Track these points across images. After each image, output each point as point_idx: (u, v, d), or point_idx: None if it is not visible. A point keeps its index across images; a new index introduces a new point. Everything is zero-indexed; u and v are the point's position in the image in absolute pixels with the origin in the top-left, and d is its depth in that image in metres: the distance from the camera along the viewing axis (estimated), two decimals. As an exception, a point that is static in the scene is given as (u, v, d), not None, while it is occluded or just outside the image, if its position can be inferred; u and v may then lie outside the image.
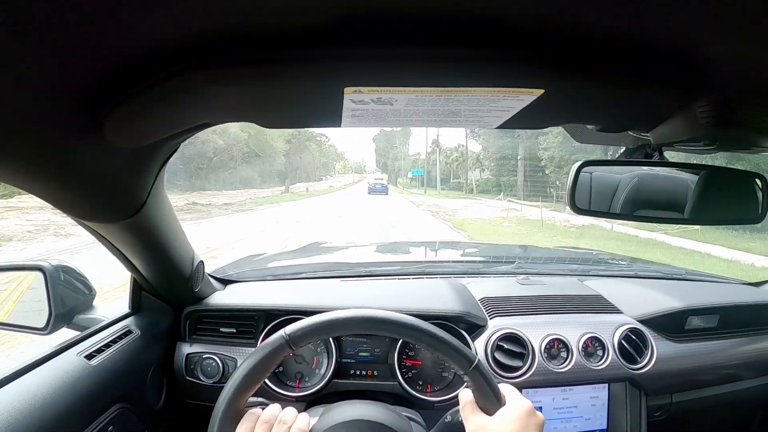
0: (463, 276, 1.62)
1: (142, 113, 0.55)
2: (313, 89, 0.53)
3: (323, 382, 1.22)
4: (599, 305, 1.39)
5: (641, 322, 1.35)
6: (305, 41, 0.46)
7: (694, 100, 0.61)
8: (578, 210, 0.90)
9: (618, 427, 1.27)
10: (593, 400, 1.27)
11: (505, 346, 1.24)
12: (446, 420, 0.97)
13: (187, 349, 1.27)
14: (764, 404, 1.51)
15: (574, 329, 1.29)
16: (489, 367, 1.22)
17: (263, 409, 0.95)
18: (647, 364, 1.28)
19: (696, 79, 0.55)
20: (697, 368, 1.36)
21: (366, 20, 0.43)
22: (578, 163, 0.90)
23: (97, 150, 0.60)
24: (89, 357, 0.99)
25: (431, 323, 0.88)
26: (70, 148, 0.57)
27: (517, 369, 1.22)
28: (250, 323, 1.26)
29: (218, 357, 1.24)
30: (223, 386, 0.79)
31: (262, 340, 1.09)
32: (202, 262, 1.21)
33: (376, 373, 1.27)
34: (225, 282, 1.44)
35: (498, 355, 1.23)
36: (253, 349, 0.84)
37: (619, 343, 1.28)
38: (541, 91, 0.53)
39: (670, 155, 0.92)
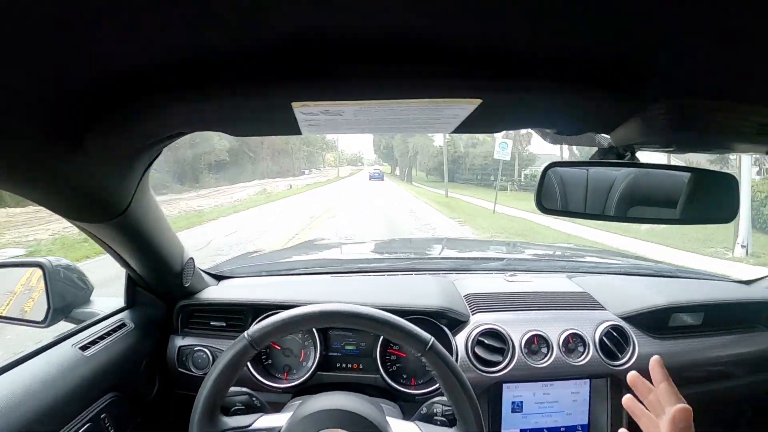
0: (451, 272, 1.64)
1: (117, 128, 0.60)
2: (264, 103, 0.57)
3: (308, 374, 1.26)
4: (583, 302, 1.41)
5: (624, 319, 1.36)
6: (252, 62, 0.50)
7: (646, 105, 0.63)
8: (544, 210, 0.93)
9: (599, 422, 1.29)
10: (574, 395, 1.29)
11: (486, 341, 1.26)
12: (422, 412, 1.01)
13: (179, 341, 1.31)
14: (753, 403, 1.51)
15: (555, 326, 1.31)
16: (468, 362, 1.25)
17: (251, 398, 1.00)
18: (628, 360, 1.29)
19: (644, 85, 0.57)
20: (681, 366, 1.36)
21: (307, 41, 0.47)
22: (546, 164, 0.93)
23: (79, 159, 0.64)
24: (84, 348, 1.03)
25: (410, 319, 0.92)
26: (52, 159, 0.62)
27: (496, 364, 1.25)
28: (239, 317, 1.30)
29: (208, 349, 1.28)
30: None
31: None
32: (191, 258, 1.26)
33: (361, 366, 1.30)
34: (219, 278, 1.48)
35: (478, 350, 1.26)
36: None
37: (600, 340, 1.30)
38: (478, 101, 0.55)
39: (644, 156, 0.94)
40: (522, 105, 0.61)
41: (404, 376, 1.29)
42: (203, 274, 1.41)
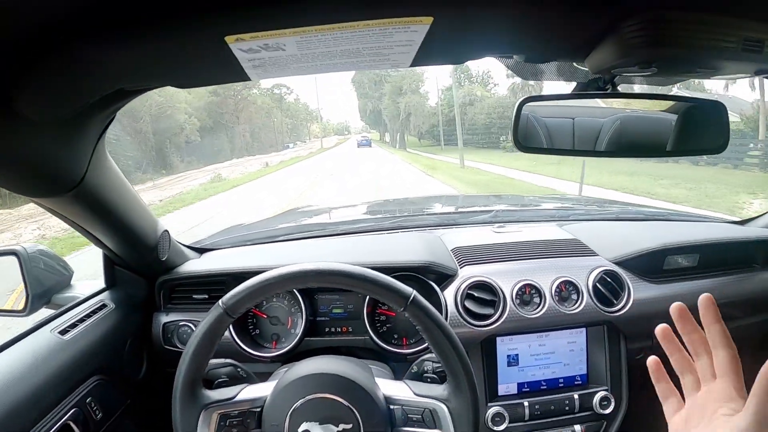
0: (438, 228, 1.61)
1: (48, 84, 0.56)
2: (197, 43, 0.53)
3: (296, 340, 1.22)
4: (574, 249, 1.37)
5: (617, 264, 1.33)
6: None
7: (621, 20, 0.58)
8: (523, 147, 0.91)
9: (598, 370, 1.27)
10: (571, 345, 1.26)
11: (476, 294, 1.23)
12: (413, 370, 0.98)
13: (163, 318, 1.28)
14: (751, 346, 1.49)
15: (547, 274, 1.28)
16: (459, 316, 1.21)
17: (236, 369, 0.97)
18: (624, 306, 1.27)
19: None
20: None
21: None
22: (520, 100, 0.90)
23: (14, 123, 0.59)
24: (63, 332, 1.01)
25: (396, 276, 0.88)
26: None
27: (488, 317, 1.22)
28: (221, 288, 1.27)
29: (193, 323, 1.25)
30: None
31: None
32: (166, 231, 1.22)
33: (350, 329, 1.28)
34: (201, 251, 1.45)
35: (468, 304, 1.22)
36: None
37: (594, 286, 1.27)
38: (429, 19, 0.50)
39: (626, 89, 0.90)
40: (479, 24, 0.56)
41: (395, 337, 1.26)
42: (184, 248, 1.37)
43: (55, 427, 0.88)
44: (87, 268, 1.29)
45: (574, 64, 0.86)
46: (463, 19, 0.54)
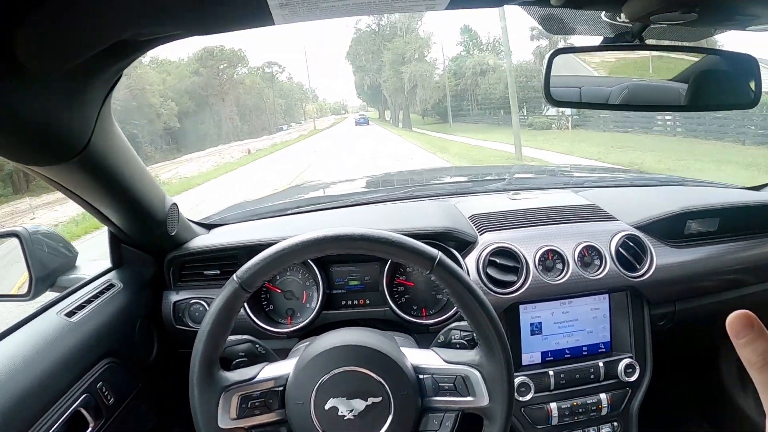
0: (452, 196, 1.57)
1: (50, 28, 0.51)
2: None
3: (313, 314, 1.19)
4: (594, 214, 1.34)
5: (638, 228, 1.30)
6: None
7: None
8: (555, 102, 0.88)
9: (622, 337, 1.24)
10: (594, 312, 1.23)
11: (498, 261, 1.20)
12: (439, 340, 0.94)
13: (173, 297, 1.24)
14: (764, 313, 1.47)
15: (568, 240, 1.24)
16: (482, 284, 1.18)
17: (254, 346, 0.92)
18: (647, 271, 1.24)
19: None
20: (700, 274, 1.32)
21: None
22: (550, 52, 0.87)
23: (16, 75, 0.55)
24: (70, 314, 0.96)
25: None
26: None
27: (511, 284, 1.18)
28: (233, 262, 1.22)
29: (205, 301, 1.21)
30: None
31: None
32: (174, 204, 1.17)
33: (368, 301, 1.24)
34: (209, 227, 1.40)
35: (491, 271, 1.19)
36: None
37: (617, 251, 1.24)
38: None
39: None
40: None
41: (414, 307, 1.23)
42: (192, 224, 1.32)
43: (65, 415, 0.84)
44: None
45: (603, 17, 0.83)
46: None
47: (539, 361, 1.21)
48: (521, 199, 1.45)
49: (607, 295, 1.23)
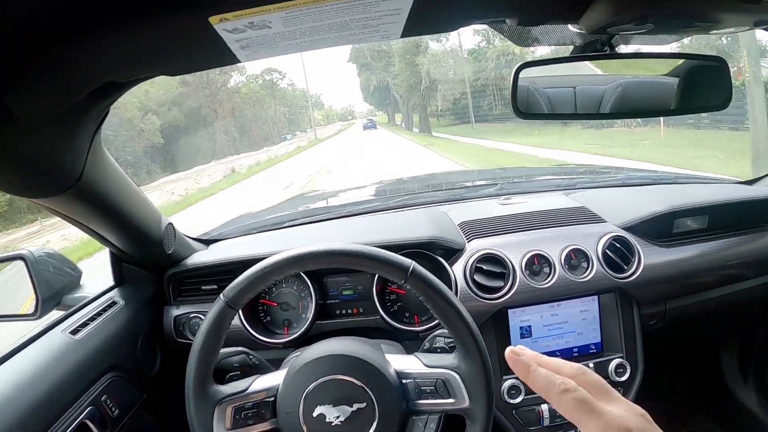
0: (444, 203, 1.60)
1: (38, 80, 0.55)
2: (182, 26, 0.52)
3: (307, 324, 1.23)
4: (581, 216, 1.36)
5: (626, 229, 1.32)
6: None
7: None
8: (522, 114, 0.90)
9: (612, 338, 1.26)
10: (583, 313, 1.25)
11: (485, 267, 1.22)
12: (425, 347, 0.98)
13: (174, 312, 1.28)
14: (765, 303, 1.47)
15: (555, 243, 1.27)
16: (469, 290, 1.21)
17: (248, 357, 0.97)
18: (635, 272, 1.26)
19: None
20: (691, 272, 1.33)
21: None
22: (516, 66, 0.89)
23: (9, 124, 0.59)
24: (74, 332, 1.01)
25: (404, 253, 0.87)
26: None
27: (498, 290, 1.21)
28: (229, 277, 1.26)
29: (203, 315, 1.25)
30: None
31: None
32: (171, 223, 1.22)
33: (361, 310, 1.28)
34: (208, 243, 1.45)
35: (478, 278, 1.22)
36: None
37: (604, 253, 1.26)
38: None
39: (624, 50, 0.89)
40: None
41: (406, 315, 1.26)
42: (190, 241, 1.37)
43: (71, 427, 0.89)
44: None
45: (570, 27, 0.85)
46: None
47: (530, 363, 1.23)
48: (511, 203, 1.47)
49: (595, 297, 1.25)
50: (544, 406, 1.21)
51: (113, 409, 1.01)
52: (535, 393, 1.11)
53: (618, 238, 1.28)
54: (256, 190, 14.23)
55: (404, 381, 0.85)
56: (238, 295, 0.82)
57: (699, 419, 1.77)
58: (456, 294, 1.17)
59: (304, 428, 0.80)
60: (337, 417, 0.81)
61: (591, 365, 1.22)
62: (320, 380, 0.82)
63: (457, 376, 0.84)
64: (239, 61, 0.65)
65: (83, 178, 0.81)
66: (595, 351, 1.26)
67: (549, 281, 1.22)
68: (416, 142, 22.86)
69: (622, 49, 0.87)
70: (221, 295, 0.82)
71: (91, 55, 0.54)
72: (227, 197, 14.15)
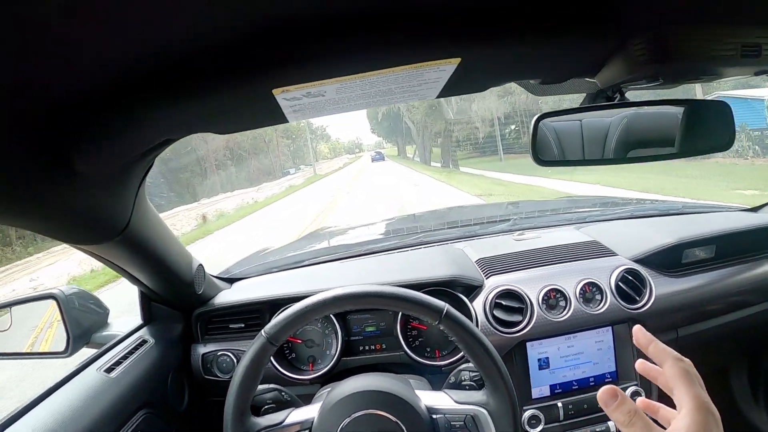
0: (459, 240, 1.65)
1: (102, 143, 0.60)
2: (246, 94, 0.57)
3: (333, 361, 1.26)
4: (594, 250, 1.41)
5: (637, 261, 1.37)
6: (226, 53, 0.50)
7: (626, 40, 0.62)
8: (541, 162, 0.94)
9: (627, 367, 1.29)
10: (599, 344, 1.29)
11: (504, 303, 1.27)
12: (450, 381, 1.02)
13: (201, 349, 1.32)
14: None
15: (570, 278, 1.31)
16: (489, 325, 1.25)
17: (280, 393, 1.01)
18: (647, 302, 1.30)
19: (622, 17, 0.56)
20: (700, 300, 1.37)
21: (278, 25, 0.47)
22: (536, 116, 0.93)
23: (69, 179, 0.63)
24: (108, 370, 1.05)
25: (425, 291, 0.92)
26: (42, 184, 0.61)
27: (517, 324, 1.25)
28: (256, 316, 1.31)
29: (231, 352, 1.29)
30: None
31: None
32: (201, 265, 1.26)
33: (384, 346, 1.31)
34: (231, 281, 1.49)
35: (497, 313, 1.26)
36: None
37: (617, 286, 1.30)
38: (457, 60, 0.55)
39: (634, 95, 0.94)
40: (502, 57, 0.61)
41: (428, 350, 1.30)
42: (215, 280, 1.41)
43: None
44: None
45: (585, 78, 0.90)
46: (487, 55, 0.58)
47: (548, 394, 1.27)
48: (525, 239, 1.52)
49: (610, 328, 1.29)
50: None
51: None
52: (553, 422, 1.15)
53: (630, 271, 1.33)
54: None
55: (435, 416, 0.90)
56: (279, 333, 0.87)
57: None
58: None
59: None
60: None
61: None
62: (355, 415, 0.86)
63: (486, 413, 0.89)
64: (287, 121, 0.71)
65: (129, 226, 0.86)
66: (610, 380, 1.29)
67: (565, 314, 1.27)
68: (444, 181, 18.67)
69: (631, 94, 0.92)
70: (262, 331, 0.87)
71: (157, 117, 0.59)
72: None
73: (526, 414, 1.23)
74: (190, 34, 0.46)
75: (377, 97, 0.66)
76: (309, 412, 0.92)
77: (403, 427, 0.86)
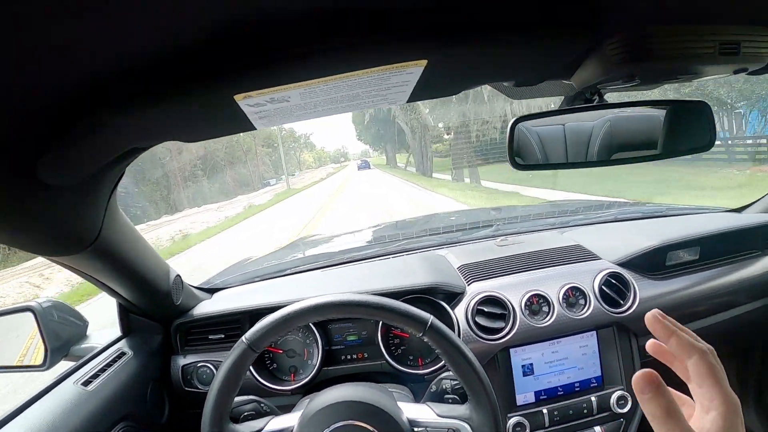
0: (441, 247, 1.64)
1: (67, 150, 0.58)
2: (208, 101, 0.55)
3: (314, 371, 1.25)
4: (577, 255, 1.40)
5: (621, 265, 1.36)
6: (189, 59, 0.48)
7: (602, 40, 0.61)
8: (518, 166, 0.93)
9: (612, 371, 1.29)
10: (583, 349, 1.28)
11: (485, 309, 1.25)
12: (432, 390, 1.00)
13: (181, 361, 1.30)
14: (763, 332, 1.51)
15: (553, 283, 1.30)
16: (471, 332, 1.24)
17: (259, 405, 0.99)
18: (631, 306, 1.29)
19: (597, 17, 0.55)
20: (686, 302, 1.36)
21: (236, 31, 0.45)
22: (512, 120, 0.92)
23: (36, 191, 0.62)
24: (86, 383, 1.03)
25: (406, 299, 0.91)
26: (8, 195, 0.59)
27: (499, 330, 1.24)
28: (236, 326, 1.29)
29: (211, 363, 1.27)
30: None
31: None
32: (178, 275, 1.24)
33: (366, 354, 1.30)
34: (211, 291, 1.47)
35: (479, 319, 1.25)
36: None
37: (600, 289, 1.29)
38: (424, 62, 0.53)
39: (613, 97, 0.93)
40: (471, 59, 0.59)
41: (410, 358, 1.28)
42: (195, 290, 1.40)
43: None
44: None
45: (561, 80, 0.89)
46: (455, 57, 0.57)
47: (533, 400, 1.26)
48: (508, 245, 1.51)
49: (594, 332, 1.28)
50: None
51: None
52: (539, 429, 1.13)
53: (613, 274, 1.31)
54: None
55: (416, 429, 0.88)
56: (260, 339, 0.86)
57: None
58: (459, 336, 1.20)
59: None
60: None
61: (593, 399, 1.24)
62: (334, 426, 0.85)
63: (468, 427, 0.87)
64: (254, 129, 0.69)
65: (100, 237, 0.84)
66: (596, 385, 1.28)
67: (548, 320, 1.25)
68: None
69: (610, 96, 0.91)
70: (243, 337, 0.86)
71: (121, 127, 0.57)
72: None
73: (511, 421, 1.21)
74: (150, 41, 0.45)
75: (344, 102, 0.64)
76: (289, 420, 0.90)
77: None
